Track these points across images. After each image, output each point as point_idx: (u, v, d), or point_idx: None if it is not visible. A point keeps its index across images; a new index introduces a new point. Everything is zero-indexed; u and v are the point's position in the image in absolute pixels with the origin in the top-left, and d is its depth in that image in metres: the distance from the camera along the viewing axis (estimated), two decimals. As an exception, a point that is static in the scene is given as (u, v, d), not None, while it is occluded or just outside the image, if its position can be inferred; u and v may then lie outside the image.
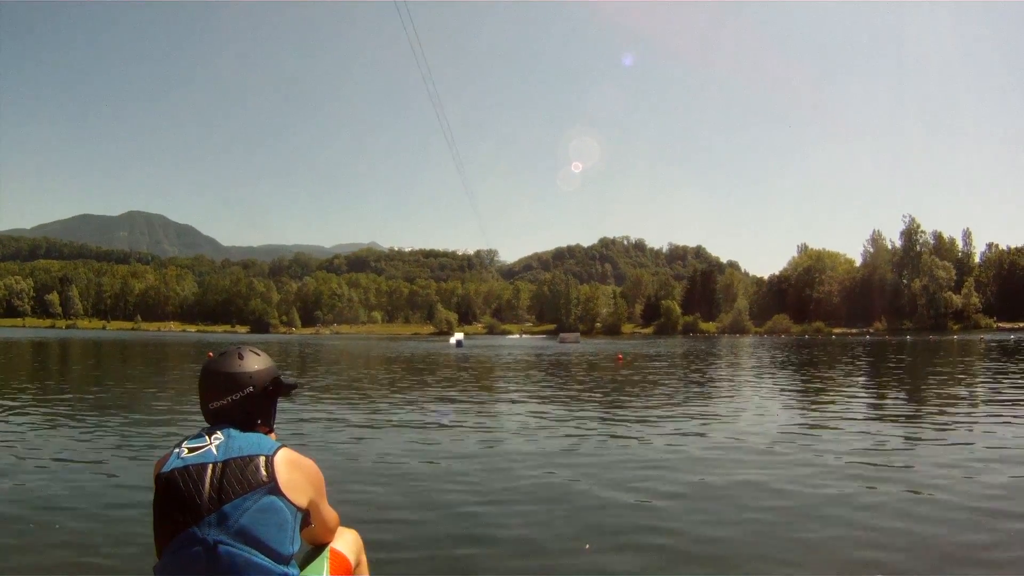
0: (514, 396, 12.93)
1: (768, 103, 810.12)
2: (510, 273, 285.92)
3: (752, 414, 9.78)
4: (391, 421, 9.19)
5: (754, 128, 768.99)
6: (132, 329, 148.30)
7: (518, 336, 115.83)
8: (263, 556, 1.74)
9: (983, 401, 11.46)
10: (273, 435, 2.07)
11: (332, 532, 2.19)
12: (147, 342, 56.13)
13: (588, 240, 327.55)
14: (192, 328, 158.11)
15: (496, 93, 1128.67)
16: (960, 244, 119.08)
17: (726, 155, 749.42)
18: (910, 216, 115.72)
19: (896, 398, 12.47)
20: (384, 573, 3.40)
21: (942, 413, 9.80)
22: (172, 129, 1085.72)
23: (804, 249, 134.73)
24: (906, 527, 4.17)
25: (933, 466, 5.94)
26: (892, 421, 9.23)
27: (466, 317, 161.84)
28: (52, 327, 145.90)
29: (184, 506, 1.74)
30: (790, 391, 13.85)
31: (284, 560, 1.79)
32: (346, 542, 2.25)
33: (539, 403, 11.57)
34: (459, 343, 56.28)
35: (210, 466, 1.78)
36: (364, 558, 2.37)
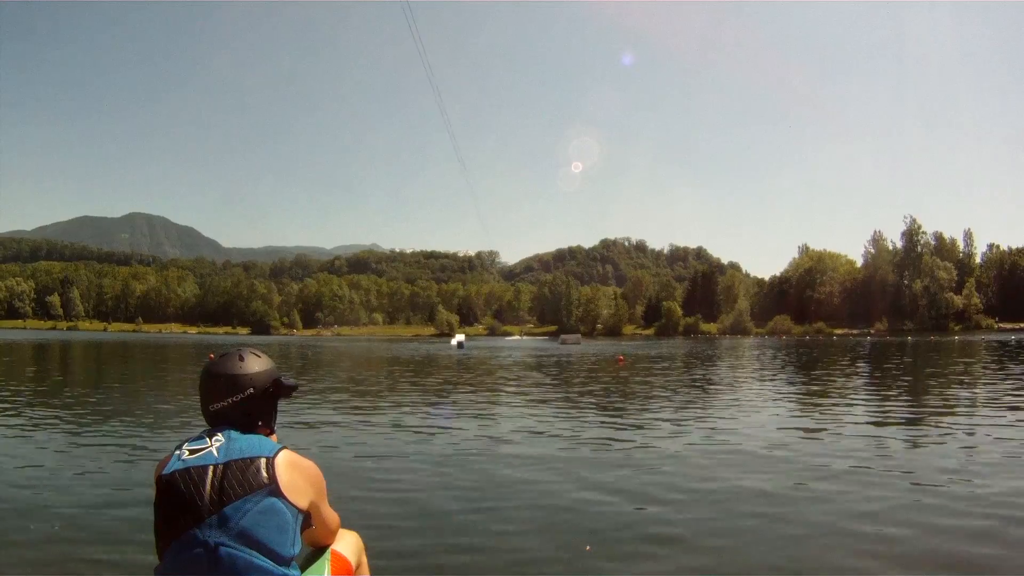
0: (515, 398, 12.93)
1: (768, 103, 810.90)
2: (511, 274, 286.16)
3: (753, 417, 9.76)
4: (392, 423, 9.19)
5: (754, 128, 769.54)
6: (133, 331, 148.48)
7: (519, 337, 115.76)
8: (264, 558, 1.74)
9: (985, 403, 11.44)
10: (274, 437, 2.08)
11: (333, 534, 2.18)
12: (148, 344, 56.16)
13: (589, 241, 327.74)
14: (193, 330, 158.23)
15: (496, 93, 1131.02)
16: (961, 245, 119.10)
17: (726, 155, 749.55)
18: (911, 217, 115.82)
19: (898, 400, 12.45)
20: (385, 574, 3.40)
21: (944, 415, 9.79)
22: (173, 130, 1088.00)
23: (805, 250, 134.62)
24: (908, 531, 4.16)
25: (935, 470, 5.93)
26: (894, 423, 9.23)
27: (467, 319, 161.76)
28: (53, 329, 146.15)
29: (185, 508, 1.74)
30: (791, 393, 13.83)
31: (285, 562, 1.79)
32: (347, 544, 2.25)
33: (540, 405, 11.58)
34: (460, 345, 56.27)
35: (211, 468, 1.79)
36: (365, 560, 2.37)
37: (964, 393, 12.98)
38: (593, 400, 12.48)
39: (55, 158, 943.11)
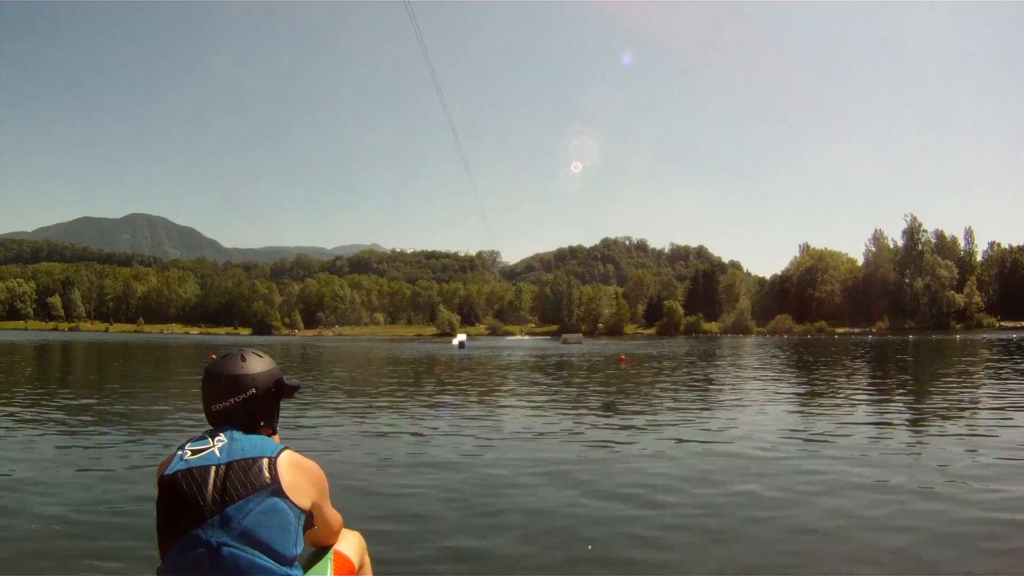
0: (516, 398, 12.94)
1: (768, 103, 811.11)
2: (512, 274, 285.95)
3: (755, 418, 9.75)
4: (393, 423, 9.20)
5: (754, 127, 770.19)
6: (134, 331, 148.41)
7: (521, 337, 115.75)
8: (267, 558, 1.75)
9: (987, 403, 11.44)
10: (276, 437, 2.08)
11: (336, 534, 2.19)
12: (150, 344, 56.19)
13: (590, 240, 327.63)
14: (194, 330, 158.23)
15: (496, 93, 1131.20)
16: (962, 243, 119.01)
17: (727, 155, 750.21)
18: (912, 215, 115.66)
19: (899, 400, 12.45)
20: (387, 575, 3.41)
21: (946, 415, 9.79)
22: (173, 130, 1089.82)
23: (806, 249, 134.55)
24: (908, 532, 4.16)
25: (936, 470, 5.94)
26: (895, 424, 9.23)
27: (468, 318, 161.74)
28: (55, 330, 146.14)
29: (187, 508, 1.74)
30: (793, 394, 13.83)
31: (288, 562, 1.79)
32: (350, 544, 2.25)
33: (541, 406, 11.58)
34: (462, 344, 56.24)
35: (213, 468, 1.79)
36: (368, 560, 2.37)
37: (966, 393, 12.95)
38: (595, 401, 12.48)
39: (55, 159, 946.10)
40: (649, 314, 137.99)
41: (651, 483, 5.45)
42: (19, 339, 65.89)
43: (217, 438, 1.88)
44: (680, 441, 7.56)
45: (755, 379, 17.19)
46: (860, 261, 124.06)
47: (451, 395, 13.36)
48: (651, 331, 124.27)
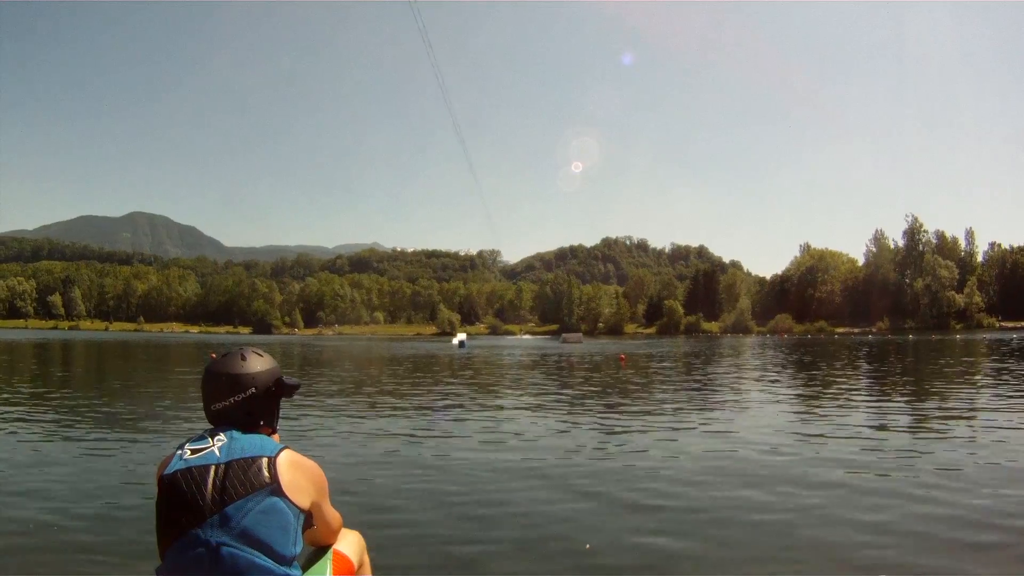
0: (516, 398, 12.96)
1: (768, 103, 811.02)
2: (512, 273, 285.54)
3: (754, 419, 9.77)
4: (393, 422, 9.22)
5: (754, 127, 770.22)
6: (135, 330, 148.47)
7: (521, 336, 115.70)
8: (266, 558, 1.74)
9: (987, 402, 11.46)
10: (276, 436, 2.08)
11: (335, 533, 2.19)
12: (150, 343, 56.23)
13: (590, 240, 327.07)
14: (195, 329, 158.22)
15: (496, 93, 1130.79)
16: (963, 243, 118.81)
17: (727, 155, 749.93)
18: (913, 215, 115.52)
19: (899, 400, 12.45)
20: (387, 574, 3.42)
21: (946, 416, 9.81)
22: (173, 130, 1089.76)
23: (806, 248, 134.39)
24: (909, 532, 4.17)
25: (937, 471, 5.94)
26: (896, 425, 9.22)
27: (469, 317, 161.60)
28: (55, 328, 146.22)
29: (187, 508, 1.74)
30: (793, 395, 13.84)
31: (287, 562, 1.79)
32: (349, 543, 2.25)
33: (541, 405, 11.60)
34: (462, 344, 56.20)
35: (213, 467, 1.79)
36: (367, 559, 2.37)
37: (966, 393, 12.96)
38: (595, 401, 12.49)
39: (56, 158, 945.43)
40: (649, 314, 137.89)
41: (651, 483, 5.46)
42: (19, 337, 65.95)
43: (217, 437, 1.87)
44: (679, 443, 7.57)
45: (755, 379, 17.20)
46: (860, 261, 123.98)
47: (450, 395, 13.36)
48: (651, 331, 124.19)
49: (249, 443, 1.86)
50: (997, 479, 5.47)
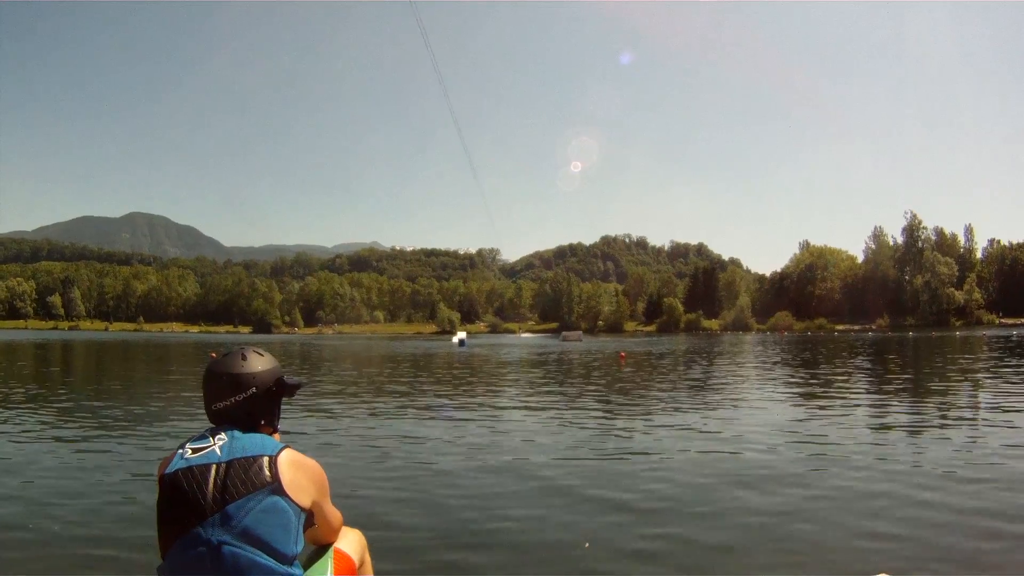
0: (516, 396, 12.96)
1: (768, 102, 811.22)
2: (512, 272, 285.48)
3: (754, 417, 9.75)
4: (393, 421, 9.22)
5: (754, 126, 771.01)
6: (135, 330, 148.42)
7: (521, 335, 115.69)
8: (267, 556, 1.75)
9: (988, 400, 11.47)
10: (277, 435, 2.08)
11: (336, 532, 2.19)
12: (150, 343, 56.19)
13: (590, 238, 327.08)
14: (195, 329, 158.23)
15: (496, 92, 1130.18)
16: (962, 240, 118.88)
17: (726, 153, 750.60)
18: (912, 212, 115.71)
19: (899, 397, 12.45)
20: (387, 573, 3.43)
21: (947, 414, 9.82)
22: (173, 130, 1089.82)
23: (806, 246, 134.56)
24: (909, 532, 4.16)
25: (938, 473, 5.94)
26: (896, 423, 9.23)
27: (468, 316, 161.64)
28: (55, 329, 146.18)
29: (188, 507, 1.75)
30: (793, 393, 13.83)
31: (288, 560, 1.79)
32: (350, 542, 2.25)
33: (541, 403, 11.61)
34: (462, 342, 56.17)
35: (214, 467, 1.79)
36: (368, 558, 2.38)
37: (967, 391, 12.98)
38: (595, 399, 12.50)
39: (55, 158, 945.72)
40: (649, 311, 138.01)
41: (651, 481, 5.47)
42: (19, 338, 65.92)
43: (217, 436, 1.88)
44: (679, 442, 7.56)
45: (755, 377, 17.21)
46: (860, 258, 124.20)
47: (450, 394, 13.37)
48: (651, 328, 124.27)
49: (250, 442, 1.87)
50: (998, 479, 5.46)
